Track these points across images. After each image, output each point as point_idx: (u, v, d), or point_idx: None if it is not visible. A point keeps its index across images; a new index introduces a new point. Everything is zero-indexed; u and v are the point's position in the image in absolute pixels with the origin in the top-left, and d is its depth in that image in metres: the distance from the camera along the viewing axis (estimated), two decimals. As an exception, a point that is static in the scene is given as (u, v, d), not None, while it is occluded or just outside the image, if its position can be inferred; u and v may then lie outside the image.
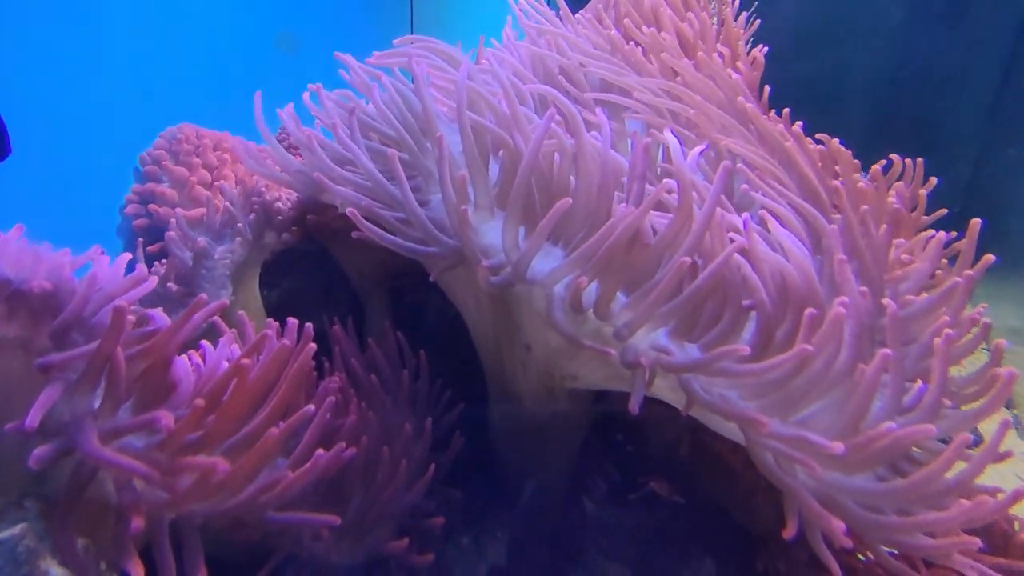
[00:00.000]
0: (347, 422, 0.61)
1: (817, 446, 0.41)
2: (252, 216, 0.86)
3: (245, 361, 0.51)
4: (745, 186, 0.65)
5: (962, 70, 2.93)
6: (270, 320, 0.71)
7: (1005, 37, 2.85)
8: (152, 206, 1.13)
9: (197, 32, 1.34)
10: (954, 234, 0.64)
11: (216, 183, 1.17)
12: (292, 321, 0.68)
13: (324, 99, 0.83)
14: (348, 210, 0.66)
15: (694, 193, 0.56)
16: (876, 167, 0.71)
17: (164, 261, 0.99)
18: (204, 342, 0.67)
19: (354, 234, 0.69)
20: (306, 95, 0.89)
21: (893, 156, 0.77)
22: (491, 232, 0.61)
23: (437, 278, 0.65)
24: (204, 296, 0.54)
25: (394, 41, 0.93)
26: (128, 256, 0.63)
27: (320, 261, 1.09)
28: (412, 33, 2.40)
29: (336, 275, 1.07)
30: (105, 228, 1.15)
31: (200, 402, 0.48)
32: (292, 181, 0.89)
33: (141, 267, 0.57)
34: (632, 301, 0.45)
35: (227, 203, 0.85)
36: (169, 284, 0.82)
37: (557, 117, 0.62)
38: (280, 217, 0.93)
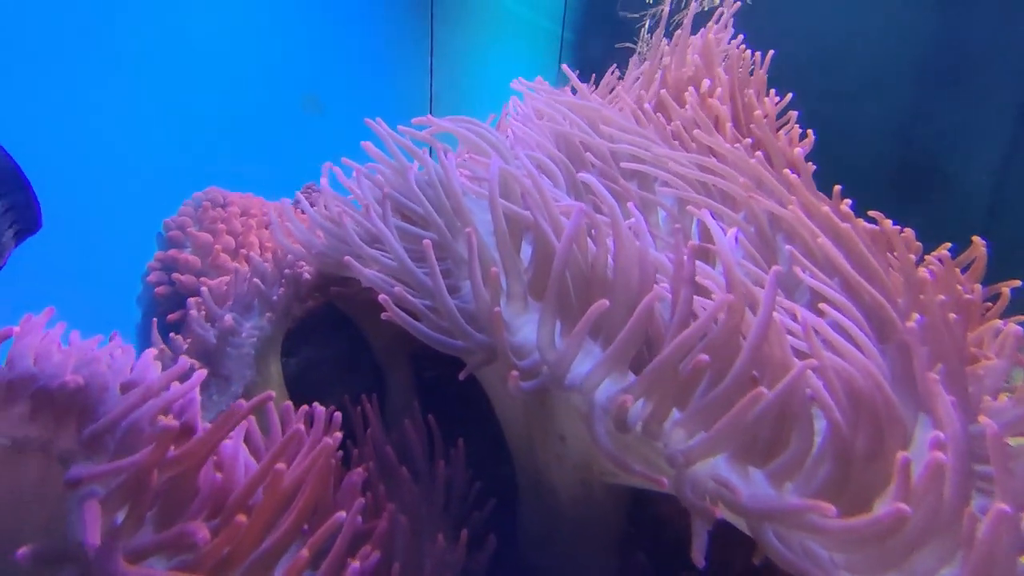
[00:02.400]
0: (378, 529, 0.58)
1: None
2: (282, 290, 0.85)
3: (280, 466, 0.49)
4: (798, 269, 0.63)
5: (971, 125, 2.94)
6: (289, 406, 0.69)
7: (1016, 91, 2.86)
8: (175, 275, 1.13)
9: (225, 92, 1.36)
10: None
11: (244, 252, 1.17)
12: (320, 410, 0.66)
13: (358, 174, 0.83)
14: (380, 297, 0.65)
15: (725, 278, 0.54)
16: (944, 251, 0.68)
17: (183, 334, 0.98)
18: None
19: (383, 316, 0.67)
20: (336, 168, 0.89)
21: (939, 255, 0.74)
22: (524, 327, 0.59)
23: (471, 372, 0.63)
24: (243, 403, 0.52)
25: (414, 120, 0.94)
26: (154, 352, 0.61)
27: (337, 326, 1.08)
28: (431, 93, 2.44)
29: (356, 343, 1.05)
30: (126, 296, 1.15)
31: (242, 519, 0.45)
32: (318, 258, 0.88)
33: (184, 359, 0.55)
34: (686, 421, 0.42)
35: (257, 279, 0.83)
36: (194, 362, 0.80)
37: (588, 207, 0.61)
38: (306, 288, 0.92)
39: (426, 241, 0.63)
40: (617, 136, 0.89)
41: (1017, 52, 2.79)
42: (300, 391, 0.95)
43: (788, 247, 0.66)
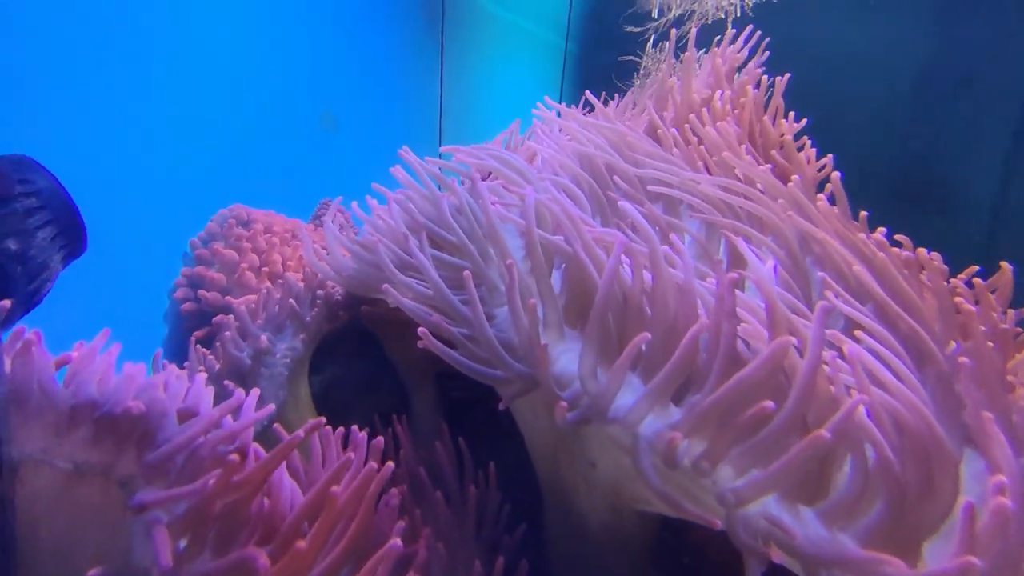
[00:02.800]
0: (418, 558, 0.60)
1: None
2: (315, 312, 0.87)
3: (335, 489, 0.51)
4: (830, 294, 0.65)
5: (972, 137, 2.99)
6: (328, 430, 0.71)
7: (1016, 103, 2.90)
8: (201, 291, 1.15)
9: (244, 110, 1.39)
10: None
11: (267, 270, 1.19)
12: (360, 435, 0.68)
13: (390, 201, 0.86)
14: (420, 330, 0.67)
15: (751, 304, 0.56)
16: (978, 282, 0.69)
17: (212, 349, 1.00)
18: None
19: (420, 344, 0.69)
20: (371, 199, 0.92)
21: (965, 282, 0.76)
22: (562, 357, 0.61)
23: (509, 402, 0.65)
24: (301, 433, 0.54)
25: (441, 149, 0.97)
26: (204, 375, 0.63)
27: (361, 344, 1.10)
28: (440, 107, 2.47)
29: (380, 361, 1.07)
30: (153, 312, 1.17)
31: (301, 545, 0.47)
32: (348, 280, 0.90)
33: (240, 393, 0.57)
34: (736, 459, 0.44)
35: (292, 300, 0.86)
36: (226, 383, 0.82)
37: (627, 241, 0.63)
38: (336, 309, 0.94)
39: (466, 272, 0.65)
40: (643, 161, 0.91)
41: (1015, 64, 2.85)
42: (325, 409, 0.96)
43: (821, 274, 0.68)
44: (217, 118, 1.30)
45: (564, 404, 0.53)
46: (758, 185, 0.82)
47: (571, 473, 0.73)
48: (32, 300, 0.68)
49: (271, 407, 0.58)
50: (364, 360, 1.06)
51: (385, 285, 0.73)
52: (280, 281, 1.21)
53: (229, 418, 0.56)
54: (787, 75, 1.29)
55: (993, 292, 0.77)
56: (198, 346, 0.90)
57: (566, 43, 3.56)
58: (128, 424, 0.53)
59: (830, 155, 1.07)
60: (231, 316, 0.93)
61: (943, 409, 0.49)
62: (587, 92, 1.12)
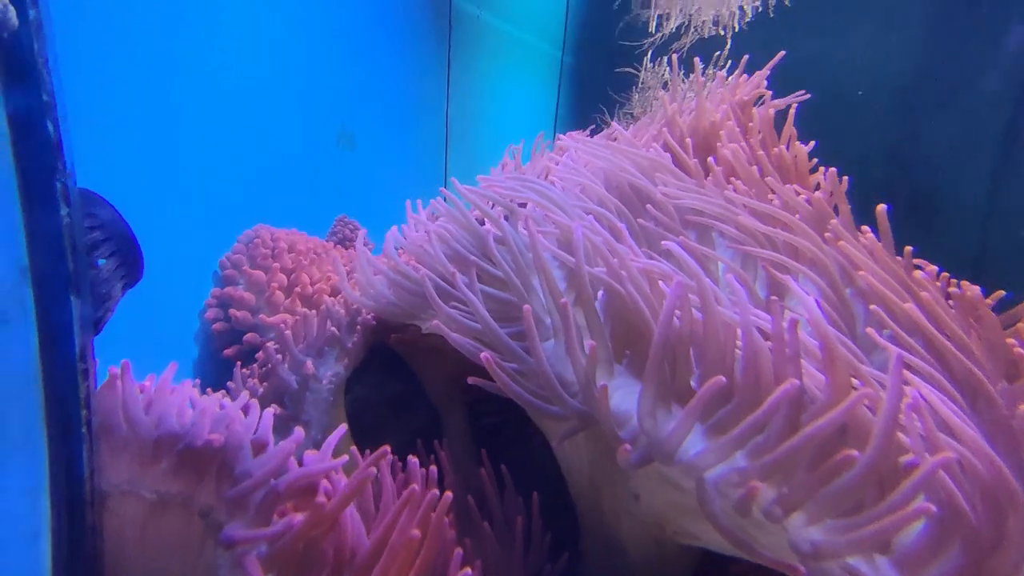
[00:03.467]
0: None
1: None
2: (357, 338, 0.89)
3: (416, 533, 0.53)
4: (871, 331, 0.68)
5: (959, 147, 3.09)
6: (385, 460, 0.73)
7: (1003, 112, 3.00)
8: (231, 311, 1.17)
9: (261, 127, 1.40)
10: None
11: (298, 291, 1.21)
12: (413, 462, 0.71)
13: (429, 236, 0.88)
14: (483, 356, 0.69)
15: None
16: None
17: (249, 370, 1.02)
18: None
19: (470, 380, 0.72)
20: (404, 226, 0.94)
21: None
22: (616, 394, 0.64)
23: (560, 445, 0.67)
24: (373, 470, 0.56)
25: (478, 179, 0.99)
26: (275, 410, 0.65)
27: (389, 367, 1.12)
28: (447, 119, 2.51)
29: (410, 384, 1.10)
30: (184, 333, 1.18)
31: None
32: (387, 309, 0.93)
33: (299, 432, 0.59)
34: (812, 508, 0.46)
35: (334, 328, 0.88)
36: (275, 406, 0.84)
37: (684, 283, 0.66)
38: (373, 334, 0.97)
39: (526, 308, 0.67)
40: (674, 190, 0.94)
41: (999, 75, 2.95)
42: (359, 430, 0.99)
43: (873, 307, 0.71)
44: (237, 137, 1.31)
45: (628, 447, 0.56)
46: (796, 215, 0.85)
47: (612, 503, 0.75)
48: (95, 329, 0.70)
49: (342, 459, 0.60)
50: (393, 382, 1.08)
51: (436, 322, 0.75)
52: (318, 305, 1.23)
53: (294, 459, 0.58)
54: (795, 105, 1.33)
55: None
56: (242, 369, 0.92)
57: (562, 55, 3.61)
58: (208, 456, 0.56)
59: (845, 177, 1.11)
60: (270, 341, 0.95)
61: (1004, 453, 0.51)
62: (613, 122, 1.14)
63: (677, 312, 0.66)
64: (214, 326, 1.17)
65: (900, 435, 0.49)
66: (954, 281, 0.84)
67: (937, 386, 0.58)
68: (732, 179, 1.02)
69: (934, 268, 0.85)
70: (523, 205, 0.97)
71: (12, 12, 0.41)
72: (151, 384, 0.61)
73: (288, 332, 0.88)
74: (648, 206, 0.98)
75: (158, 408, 0.57)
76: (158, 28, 1.07)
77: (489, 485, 0.79)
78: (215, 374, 1.19)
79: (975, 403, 0.58)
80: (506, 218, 0.87)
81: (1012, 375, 0.65)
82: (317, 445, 0.83)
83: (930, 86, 3.04)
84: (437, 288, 0.83)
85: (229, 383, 1.03)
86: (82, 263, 0.50)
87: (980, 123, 2.99)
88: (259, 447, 0.58)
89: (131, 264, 0.75)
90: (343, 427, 0.65)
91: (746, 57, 1.49)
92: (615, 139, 1.21)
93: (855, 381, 0.56)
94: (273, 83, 1.44)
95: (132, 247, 0.75)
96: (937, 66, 3.05)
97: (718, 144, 1.07)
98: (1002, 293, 0.88)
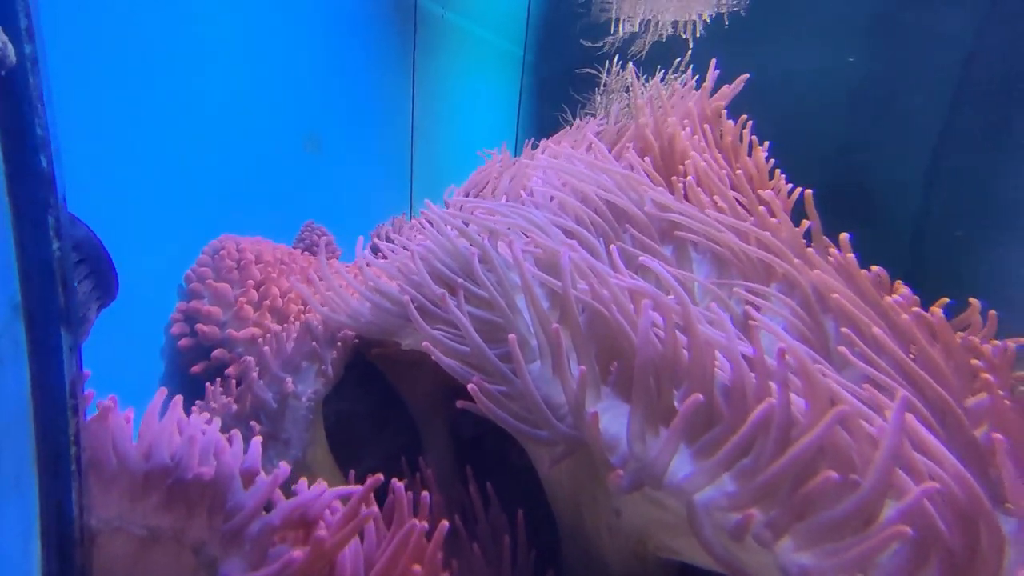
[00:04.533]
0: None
1: None
2: (335, 355, 0.89)
3: (417, 569, 0.54)
4: (844, 350, 0.72)
5: (896, 150, 3.34)
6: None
7: (937, 117, 3.24)
8: (198, 325, 1.14)
9: (229, 133, 1.37)
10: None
11: (268, 303, 1.19)
12: (399, 488, 0.71)
13: (414, 256, 0.88)
14: (470, 387, 0.70)
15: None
16: (993, 348, 0.76)
17: (221, 387, 1.00)
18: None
19: (459, 404, 0.72)
20: (384, 244, 0.94)
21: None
22: (604, 417, 0.66)
23: (550, 471, 0.68)
24: (376, 510, 0.56)
25: (462, 203, 1.00)
26: (260, 440, 0.64)
27: (367, 380, 1.11)
28: (412, 121, 2.50)
29: (388, 397, 1.10)
30: (148, 349, 1.15)
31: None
32: (366, 328, 0.93)
33: (284, 468, 0.59)
34: (801, 534, 0.48)
35: (315, 344, 0.87)
36: (253, 424, 0.83)
37: (667, 303, 0.69)
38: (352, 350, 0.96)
39: (512, 336, 0.69)
40: (654, 204, 0.97)
41: (933, 85, 3.19)
42: (339, 444, 0.98)
43: (844, 329, 0.74)
44: (200, 144, 1.28)
45: (620, 473, 0.57)
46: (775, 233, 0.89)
47: (593, 518, 0.77)
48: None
49: (338, 490, 0.60)
50: (371, 395, 1.08)
51: (426, 343, 0.76)
52: (288, 317, 1.21)
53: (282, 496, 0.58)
54: (750, 122, 1.39)
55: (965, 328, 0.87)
56: (213, 386, 0.90)
57: (523, 52, 3.64)
58: (199, 489, 0.55)
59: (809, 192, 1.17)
60: (244, 356, 0.94)
61: (974, 473, 0.55)
62: (594, 140, 1.16)
63: (660, 332, 0.68)
64: (180, 342, 1.14)
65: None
66: (928, 307, 0.89)
67: (911, 407, 0.62)
68: (701, 189, 1.05)
69: (907, 290, 0.90)
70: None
71: (11, 50, 0.40)
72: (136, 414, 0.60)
73: (267, 348, 0.87)
74: (626, 225, 1.00)
75: (147, 439, 0.56)
76: (118, 38, 1.03)
77: (477, 504, 0.80)
78: (182, 391, 1.16)
79: (945, 423, 0.61)
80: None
81: (975, 390, 0.69)
82: (297, 463, 0.83)
83: (872, 91, 3.28)
84: (419, 308, 0.84)
85: (199, 401, 1.00)
86: (72, 296, 0.49)
87: (917, 126, 3.24)
88: (249, 477, 0.58)
89: (106, 285, 0.73)
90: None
91: (715, 70, 1.54)
92: (590, 147, 1.23)
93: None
94: (237, 88, 1.41)
95: (106, 267, 0.73)
96: (879, 72, 3.28)
97: (688, 162, 1.10)
98: (946, 300, 0.94)
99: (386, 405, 1.07)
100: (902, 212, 3.38)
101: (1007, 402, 0.64)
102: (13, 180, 0.44)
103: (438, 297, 0.78)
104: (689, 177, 1.09)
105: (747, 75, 1.48)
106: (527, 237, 0.88)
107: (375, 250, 1.90)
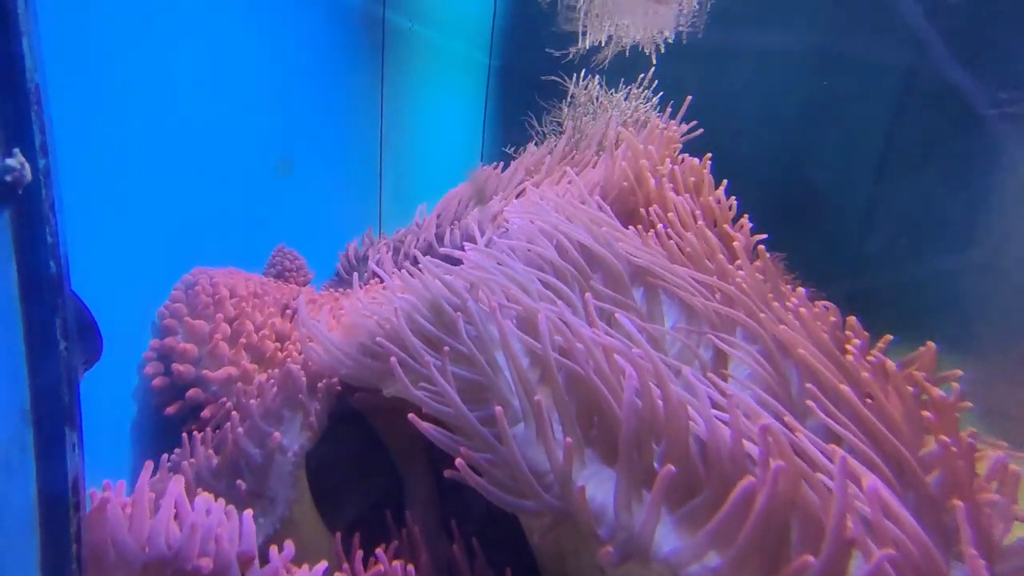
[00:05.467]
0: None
1: None
2: (318, 406, 0.89)
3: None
4: (812, 404, 0.77)
5: (844, 157, 3.52)
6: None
7: (880, 126, 3.46)
8: (174, 364, 1.13)
9: (196, 164, 1.35)
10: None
11: (246, 341, 1.18)
12: (383, 558, 0.72)
13: (397, 313, 0.89)
14: (458, 462, 0.71)
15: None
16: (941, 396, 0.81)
17: (200, 434, 0.99)
18: None
19: (446, 473, 0.74)
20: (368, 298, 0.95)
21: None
22: (590, 484, 0.68)
23: (541, 541, 0.71)
24: None
25: (443, 251, 1.01)
26: (250, 514, 0.65)
27: (346, 422, 1.11)
28: (381, 134, 2.50)
29: (367, 440, 1.10)
30: (120, 389, 1.13)
31: None
32: (347, 378, 0.94)
33: (289, 548, 0.60)
34: None
35: (302, 396, 0.88)
36: (239, 482, 0.83)
37: (634, 372, 0.72)
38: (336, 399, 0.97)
39: (498, 409, 0.71)
40: (626, 252, 1.01)
41: (878, 95, 3.39)
42: (320, 490, 0.98)
43: (809, 385, 0.79)
44: (169, 173, 1.25)
45: (609, 550, 0.60)
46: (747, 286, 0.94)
47: (576, 571, 0.80)
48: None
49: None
50: (351, 439, 1.08)
51: (412, 416, 0.77)
52: (264, 354, 1.21)
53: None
54: (709, 155, 1.47)
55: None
56: (191, 436, 0.90)
57: (489, 59, 3.66)
58: (198, 577, 0.56)
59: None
60: (225, 401, 0.94)
61: (930, 525, 0.61)
62: (571, 173, 1.19)
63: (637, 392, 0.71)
64: (154, 381, 1.13)
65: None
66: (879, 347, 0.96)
67: (869, 463, 0.67)
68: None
69: (866, 335, 0.96)
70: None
71: (28, 169, 0.41)
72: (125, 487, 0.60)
73: (254, 401, 0.87)
74: (598, 272, 1.04)
75: (144, 526, 0.56)
76: (81, 67, 1.01)
77: (463, 564, 0.82)
78: (156, 433, 1.15)
79: (903, 477, 0.67)
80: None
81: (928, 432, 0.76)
82: (283, 520, 0.84)
83: (821, 99, 3.46)
84: (402, 363, 0.85)
85: (177, 450, 1.00)
86: (76, 394, 0.49)
87: (861, 135, 3.43)
88: (246, 562, 0.59)
89: (91, 348, 0.72)
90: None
91: (681, 122, 1.61)
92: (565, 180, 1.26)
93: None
94: (205, 113, 1.38)
95: (91, 328, 0.73)
96: (827, 81, 3.45)
97: (654, 207, 1.15)
98: (890, 338, 1.00)
99: (367, 448, 1.08)
100: (848, 218, 3.62)
101: (954, 450, 0.70)
102: (25, 289, 0.44)
103: (425, 364, 0.79)
104: (659, 226, 1.13)
105: (687, 100, 1.57)
106: (509, 290, 0.90)
107: (347, 271, 1.89)
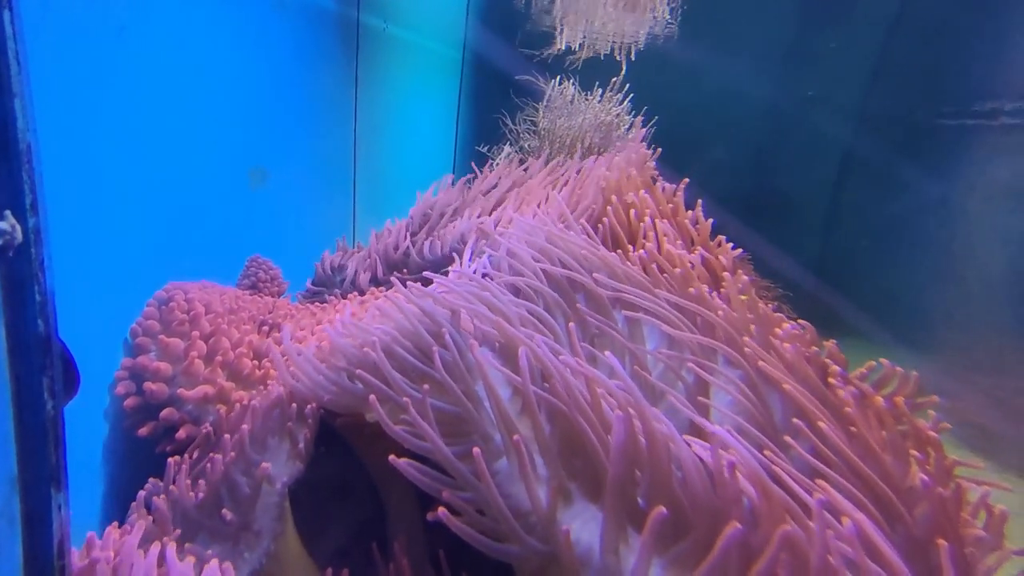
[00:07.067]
0: None
1: None
2: (307, 433, 0.88)
3: None
4: (790, 440, 0.79)
5: (808, 158, 3.76)
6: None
7: (842, 131, 3.63)
8: (147, 384, 1.10)
9: (168, 175, 1.32)
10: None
11: (220, 359, 1.16)
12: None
13: (376, 347, 0.88)
14: (441, 512, 0.71)
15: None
16: (925, 428, 0.84)
17: (179, 459, 0.97)
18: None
19: (429, 516, 0.74)
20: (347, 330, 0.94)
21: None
22: (575, 524, 0.69)
23: None
24: None
25: (428, 278, 1.01)
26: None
27: (324, 443, 1.10)
28: (355, 137, 2.47)
29: (347, 463, 1.09)
30: (91, 410, 1.10)
31: None
32: (328, 405, 0.93)
33: None
34: None
35: (291, 424, 0.87)
36: (224, 512, 0.81)
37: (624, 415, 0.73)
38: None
39: (476, 450, 0.71)
40: (610, 282, 1.02)
41: (840, 100, 3.64)
42: (302, 521, 0.97)
43: (796, 420, 0.82)
44: (140, 185, 1.22)
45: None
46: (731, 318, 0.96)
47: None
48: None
49: None
50: (331, 462, 1.07)
51: (392, 457, 0.77)
52: (240, 372, 1.19)
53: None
54: (685, 180, 1.51)
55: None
56: (175, 463, 0.88)
57: (463, 56, 3.65)
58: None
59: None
60: (203, 424, 0.92)
61: (917, 567, 0.63)
62: (558, 198, 1.19)
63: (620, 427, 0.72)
64: (126, 402, 1.10)
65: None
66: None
67: (855, 501, 0.70)
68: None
69: (844, 359, 0.98)
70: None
71: (18, 231, 0.40)
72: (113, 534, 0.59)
73: (245, 430, 0.86)
74: (580, 296, 1.05)
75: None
76: (48, 77, 0.97)
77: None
78: (128, 454, 1.12)
79: (889, 517, 0.69)
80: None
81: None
82: (269, 554, 0.82)
83: (787, 105, 3.65)
84: (382, 398, 0.85)
85: (154, 480, 0.98)
86: (63, 453, 0.48)
87: (826, 139, 3.64)
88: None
89: (68, 383, 0.70)
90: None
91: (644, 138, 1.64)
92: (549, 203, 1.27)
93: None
94: (175, 122, 1.35)
95: (69, 364, 0.71)
96: (793, 88, 3.66)
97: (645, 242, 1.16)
98: (874, 364, 1.04)
99: (348, 472, 1.07)
100: (811, 219, 3.80)
101: (940, 491, 0.73)
102: (14, 354, 0.43)
103: (403, 404, 0.79)
104: (643, 250, 1.15)
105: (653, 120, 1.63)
106: (489, 317, 0.90)
107: (323, 281, 1.87)
